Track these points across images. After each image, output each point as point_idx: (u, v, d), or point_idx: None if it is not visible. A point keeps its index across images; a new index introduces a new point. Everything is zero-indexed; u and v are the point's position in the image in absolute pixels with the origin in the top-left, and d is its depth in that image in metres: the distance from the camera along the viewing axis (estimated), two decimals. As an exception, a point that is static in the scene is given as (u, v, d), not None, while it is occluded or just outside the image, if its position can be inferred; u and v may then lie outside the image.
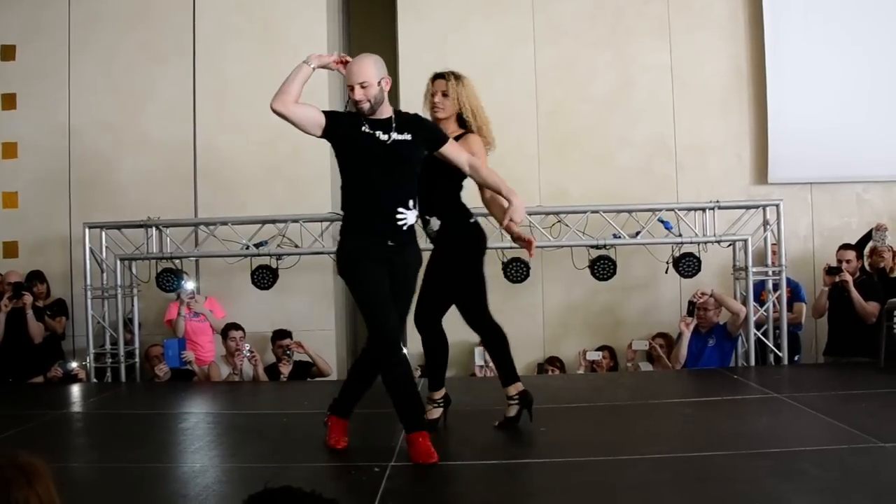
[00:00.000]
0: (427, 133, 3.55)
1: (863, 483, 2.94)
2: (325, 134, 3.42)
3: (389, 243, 3.43)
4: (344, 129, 3.43)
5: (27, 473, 1.44)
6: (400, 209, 3.42)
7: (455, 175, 3.73)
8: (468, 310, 3.94)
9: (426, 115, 3.83)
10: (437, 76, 3.90)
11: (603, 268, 6.02)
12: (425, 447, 3.33)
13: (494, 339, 3.99)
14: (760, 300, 6.09)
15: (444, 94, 3.83)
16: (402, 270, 3.52)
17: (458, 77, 3.87)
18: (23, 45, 6.97)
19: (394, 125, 3.43)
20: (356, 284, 3.46)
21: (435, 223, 3.79)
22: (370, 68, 3.37)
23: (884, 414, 4.07)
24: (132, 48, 6.93)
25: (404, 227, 3.46)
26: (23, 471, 1.44)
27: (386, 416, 3.70)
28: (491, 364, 5.99)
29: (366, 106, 3.36)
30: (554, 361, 6.50)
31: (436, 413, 3.94)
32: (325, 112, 3.42)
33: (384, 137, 3.41)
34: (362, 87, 3.33)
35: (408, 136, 3.44)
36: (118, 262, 6.32)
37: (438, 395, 3.98)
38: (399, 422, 3.46)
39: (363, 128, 3.39)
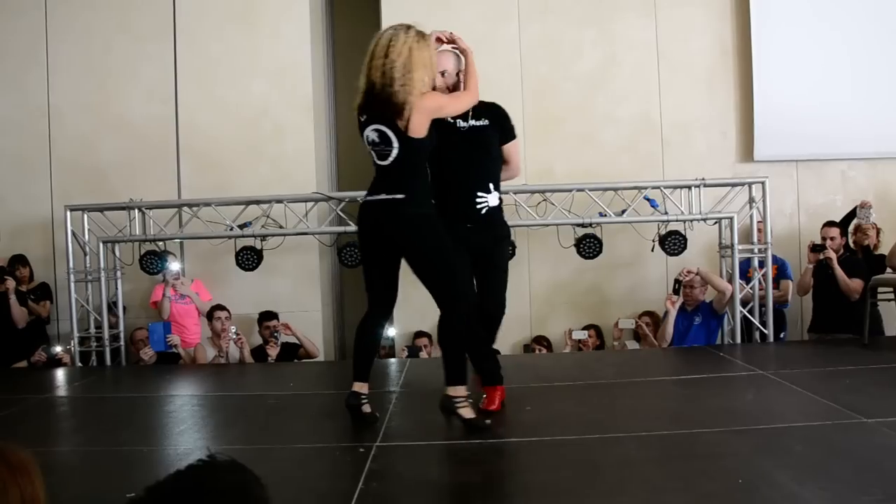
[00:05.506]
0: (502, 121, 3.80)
1: (846, 458, 2.96)
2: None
3: (468, 225, 3.61)
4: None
5: (11, 466, 1.42)
6: (479, 193, 3.61)
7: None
8: None
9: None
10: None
11: (589, 246, 6.01)
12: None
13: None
14: (746, 278, 6.11)
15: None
16: (478, 251, 3.66)
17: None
18: (-3, 24, 6.85)
19: (470, 112, 3.65)
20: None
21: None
22: (451, 60, 3.59)
23: (867, 390, 4.10)
24: (111, 27, 6.83)
25: (483, 211, 3.63)
26: (7, 463, 1.42)
27: (372, 398, 3.69)
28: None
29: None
30: (540, 340, 6.52)
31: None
32: None
33: (462, 125, 3.66)
34: (443, 76, 3.55)
35: (485, 122, 3.71)
36: (101, 245, 6.26)
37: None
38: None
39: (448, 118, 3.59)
